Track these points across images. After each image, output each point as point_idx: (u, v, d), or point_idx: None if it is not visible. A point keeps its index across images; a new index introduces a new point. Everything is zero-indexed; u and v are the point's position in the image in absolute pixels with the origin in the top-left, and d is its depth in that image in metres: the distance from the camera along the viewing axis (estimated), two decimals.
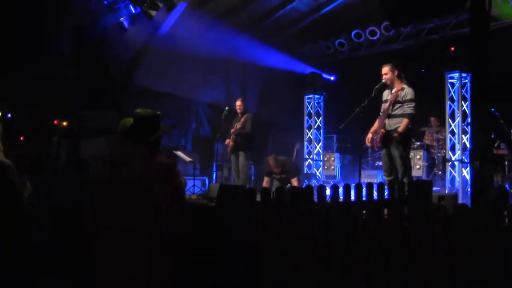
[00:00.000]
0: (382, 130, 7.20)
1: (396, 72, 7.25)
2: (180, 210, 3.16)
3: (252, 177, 11.94)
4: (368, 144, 7.45)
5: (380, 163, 11.89)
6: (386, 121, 7.19)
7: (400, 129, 6.96)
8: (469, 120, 10.73)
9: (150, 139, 3.31)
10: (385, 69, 7.30)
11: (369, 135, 7.36)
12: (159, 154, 3.39)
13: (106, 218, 3.10)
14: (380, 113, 7.40)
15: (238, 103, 9.78)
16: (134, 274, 3.03)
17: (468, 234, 3.36)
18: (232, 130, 9.42)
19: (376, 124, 7.36)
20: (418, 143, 11.57)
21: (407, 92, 7.07)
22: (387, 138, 7.14)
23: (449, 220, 3.48)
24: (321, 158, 13.62)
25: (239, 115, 9.69)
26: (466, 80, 10.92)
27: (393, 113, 7.14)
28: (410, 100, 7.02)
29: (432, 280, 3.50)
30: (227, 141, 9.69)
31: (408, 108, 7.01)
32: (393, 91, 7.22)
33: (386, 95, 7.38)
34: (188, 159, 10.63)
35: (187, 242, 3.36)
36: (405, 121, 6.97)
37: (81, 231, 3.30)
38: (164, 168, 3.20)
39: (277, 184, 9.38)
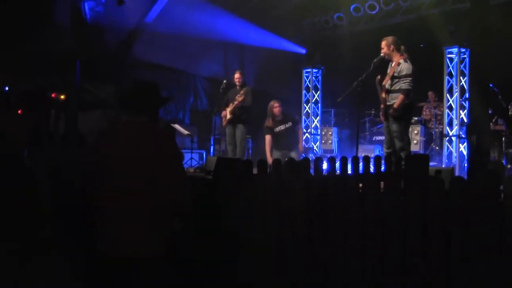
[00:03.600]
0: (382, 105, 7.23)
1: (392, 47, 7.22)
2: (179, 178, 3.17)
3: (250, 151, 11.95)
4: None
5: (378, 138, 11.97)
6: (386, 96, 7.20)
7: (395, 105, 6.96)
8: (467, 95, 10.74)
9: (149, 109, 3.30)
10: (382, 43, 7.29)
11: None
12: (158, 124, 3.39)
13: (106, 187, 3.12)
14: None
15: (237, 75, 9.58)
16: (133, 241, 3.06)
17: (464, 207, 3.38)
18: (236, 103, 9.26)
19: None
20: (416, 118, 11.56)
21: (403, 67, 7.04)
22: (387, 112, 7.18)
23: (446, 192, 3.50)
24: (319, 132, 13.66)
25: (238, 87, 9.56)
26: (465, 55, 10.92)
27: (392, 88, 7.14)
28: (406, 76, 6.98)
29: (429, 252, 3.54)
30: (224, 112, 9.56)
31: (403, 84, 6.99)
32: (392, 65, 7.22)
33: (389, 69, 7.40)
34: (185, 132, 10.62)
35: (187, 211, 3.39)
36: (400, 97, 6.96)
37: (81, 199, 3.32)
38: (163, 137, 3.21)
39: (281, 141, 9.34)
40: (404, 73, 7.00)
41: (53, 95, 10.65)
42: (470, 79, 10.69)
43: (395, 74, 7.08)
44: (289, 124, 9.32)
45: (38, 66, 9.74)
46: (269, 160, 8.97)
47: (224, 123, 9.58)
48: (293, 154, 9.13)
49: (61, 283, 4.26)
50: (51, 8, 10.20)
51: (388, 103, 7.15)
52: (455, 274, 3.39)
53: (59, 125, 10.42)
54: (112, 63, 11.19)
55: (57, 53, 10.00)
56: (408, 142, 7.21)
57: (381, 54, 7.27)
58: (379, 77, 7.30)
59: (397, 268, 3.74)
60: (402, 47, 7.27)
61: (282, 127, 9.33)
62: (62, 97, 10.74)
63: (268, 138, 9.39)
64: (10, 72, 9.39)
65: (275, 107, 9.31)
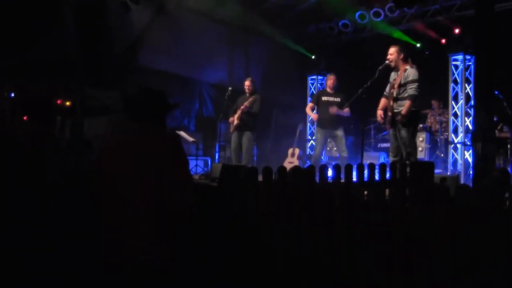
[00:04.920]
0: (389, 113, 7.25)
1: (402, 55, 7.25)
2: (186, 184, 3.17)
3: (255, 158, 11.96)
4: (380, 121, 7.50)
5: (383, 145, 11.96)
6: (394, 104, 7.22)
7: (403, 112, 7.01)
8: (472, 102, 10.73)
9: (156, 116, 3.31)
10: (391, 50, 7.32)
11: (379, 112, 7.44)
12: (164, 131, 3.39)
13: (113, 193, 3.12)
14: (385, 93, 7.45)
15: (247, 83, 9.64)
16: (139, 248, 3.06)
17: (470, 215, 3.38)
18: (242, 107, 9.30)
19: (382, 102, 7.44)
20: (421, 125, 11.55)
21: (409, 73, 7.10)
22: (394, 120, 7.20)
23: (451, 200, 3.50)
24: None
25: (247, 95, 9.60)
26: (470, 63, 10.93)
27: (400, 96, 7.18)
28: (412, 81, 7.05)
29: (434, 260, 3.53)
30: (231, 118, 9.60)
31: (410, 90, 7.04)
32: (398, 73, 7.24)
33: (393, 76, 7.42)
34: (190, 139, 10.63)
35: (192, 218, 3.39)
36: (407, 103, 7.01)
37: (86, 205, 3.33)
38: (169, 143, 3.21)
39: (325, 112, 9.46)
40: (410, 78, 7.06)
41: (58, 101, 10.68)
42: (475, 86, 10.69)
43: (402, 82, 7.11)
44: (338, 99, 9.46)
45: (44, 73, 9.77)
46: (312, 116, 9.91)
47: (231, 129, 9.62)
48: (339, 133, 9.47)
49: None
50: (57, 13, 10.23)
51: (395, 111, 7.18)
52: (461, 282, 3.38)
53: (65, 131, 10.44)
54: (118, 70, 11.21)
55: (63, 59, 10.03)
56: (415, 148, 7.26)
57: (387, 62, 7.30)
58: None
59: (403, 276, 3.73)
60: (409, 59, 7.33)
61: (330, 98, 9.49)
62: (68, 103, 10.76)
63: (310, 104, 9.94)
64: (16, 78, 9.42)
65: (330, 79, 9.67)
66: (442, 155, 11.20)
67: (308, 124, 13.99)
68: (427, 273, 3.55)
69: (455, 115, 10.97)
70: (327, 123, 9.38)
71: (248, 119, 9.38)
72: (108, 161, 3.21)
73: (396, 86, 7.17)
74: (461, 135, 10.74)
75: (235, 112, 9.56)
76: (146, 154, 3.09)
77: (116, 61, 11.30)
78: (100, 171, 3.24)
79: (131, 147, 3.16)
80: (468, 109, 10.82)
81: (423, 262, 3.59)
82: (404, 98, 7.11)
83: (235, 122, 9.42)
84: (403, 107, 7.04)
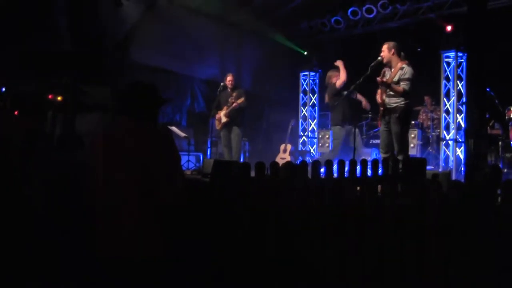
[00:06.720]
0: (381, 108, 7.25)
1: (393, 51, 7.25)
2: (178, 179, 3.16)
3: (247, 154, 11.94)
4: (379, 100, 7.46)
5: (375, 141, 11.94)
6: (386, 99, 7.22)
7: (396, 88, 7.01)
8: (464, 99, 10.76)
9: (147, 111, 3.28)
10: (384, 47, 7.33)
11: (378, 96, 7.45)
12: (156, 126, 3.37)
13: (104, 188, 3.10)
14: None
15: (229, 77, 9.63)
16: (131, 242, 3.05)
17: (462, 211, 3.38)
18: (235, 105, 9.27)
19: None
20: (413, 122, 11.55)
21: (406, 71, 7.10)
22: (386, 115, 7.20)
23: (444, 196, 3.50)
24: (316, 135, 13.63)
25: (229, 90, 9.59)
26: (462, 60, 10.94)
27: (392, 92, 7.17)
28: (407, 79, 7.05)
29: (426, 257, 3.53)
30: (217, 115, 9.56)
31: (403, 83, 7.03)
32: (393, 69, 7.24)
33: (385, 72, 7.41)
34: (182, 134, 10.61)
35: (183, 214, 3.38)
36: (400, 88, 7.02)
37: (78, 200, 3.31)
38: (161, 138, 3.19)
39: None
40: (406, 76, 7.07)
41: (50, 96, 10.62)
42: (467, 83, 10.71)
43: (397, 78, 7.12)
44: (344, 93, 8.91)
45: (35, 67, 9.72)
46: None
47: (218, 127, 9.58)
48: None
49: (59, 284, 4.25)
50: (48, 9, 10.17)
51: (387, 106, 7.17)
52: (453, 277, 3.39)
53: (56, 126, 10.40)
54: (110, 66, 11.16)
55: (54, 54, 9.98)
56: (407, 146, 7.25)
57: (379, 58, 7.30)
58: (379, 78, 7.31)
59: (395, 272, 3.73)
60: (402, 53, 7.32)
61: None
62: (59, 98, 10.71)
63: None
64: (7, 73, 9.37)
65: (331, 75, 9.40)
66: (434, 151, 11.23)
67: (300, 120, 13.97)
68: (421, 267, 3.56)
69: (447, 112, 10.99)
70: (336, 122, 9.31)
71: (236, 115, 9.37)
72: (100, 156, 3.20)
73: (389, 81, 7.17)
74: (452, 131, 10.76)
75: (219, 108, 9.54)
76: (138, 149, 3.08)
77: (107, 56, 11.25)
78: (92, 167, 3.22)
79: (122, 142, 3.14)
80: (460, 106, 10.84)
81: (416, 257, 3.59)
82: (396, 96, 7.12)
83: (224, 119, 9.38)
84: (397, 103, 7.07)
